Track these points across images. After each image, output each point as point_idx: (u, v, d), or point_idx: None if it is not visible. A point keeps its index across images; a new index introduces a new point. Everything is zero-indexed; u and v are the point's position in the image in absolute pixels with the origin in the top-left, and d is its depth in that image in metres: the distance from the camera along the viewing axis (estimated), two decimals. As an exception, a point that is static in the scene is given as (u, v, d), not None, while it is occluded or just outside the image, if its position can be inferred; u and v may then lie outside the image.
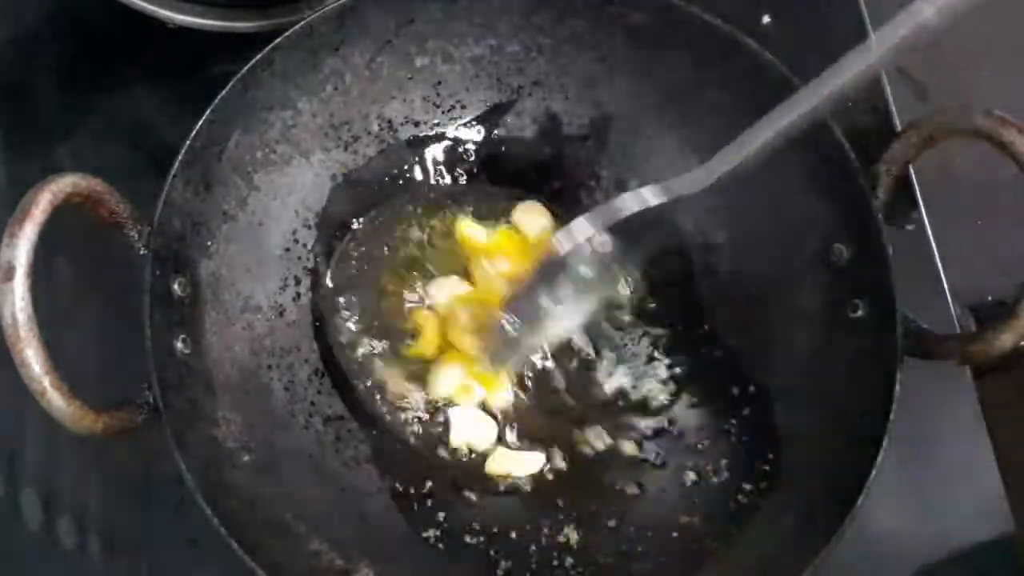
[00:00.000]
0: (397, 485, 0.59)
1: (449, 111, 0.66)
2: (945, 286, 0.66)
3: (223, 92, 0.56)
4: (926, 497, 0.62)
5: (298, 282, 0.62)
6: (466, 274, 0.64)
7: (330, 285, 0.63)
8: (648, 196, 0.54)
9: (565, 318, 0.59)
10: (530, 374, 0.62)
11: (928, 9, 0.45)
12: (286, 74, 0.59)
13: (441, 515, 0.58)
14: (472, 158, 0.67)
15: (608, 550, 0.57)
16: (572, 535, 0.58)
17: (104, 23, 0.70)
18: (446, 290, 0.63)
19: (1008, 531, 0.61)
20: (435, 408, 0.61)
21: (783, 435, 0.58)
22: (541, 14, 0.62)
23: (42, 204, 0.46)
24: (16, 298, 0.44)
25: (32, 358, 0.44)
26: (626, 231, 0.54)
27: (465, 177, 0.67)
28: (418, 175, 0.66)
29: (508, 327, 0.58)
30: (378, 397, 0.61)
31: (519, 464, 0.60)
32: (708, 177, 0.52)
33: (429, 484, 0.59)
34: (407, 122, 0.65)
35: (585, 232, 0.54)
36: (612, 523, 0.58)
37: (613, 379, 0.62)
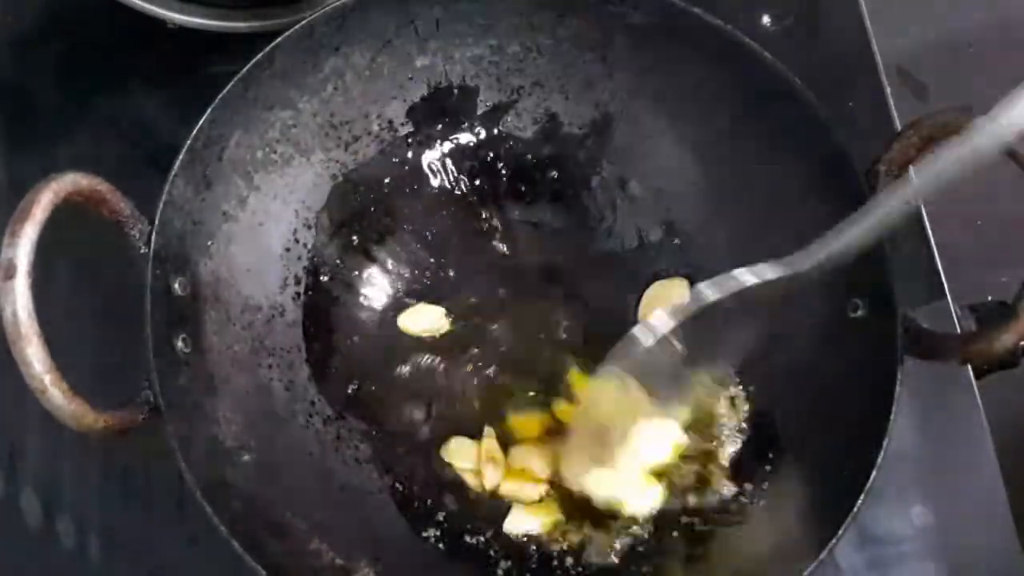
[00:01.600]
0: (397, 485, 0.59)
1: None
2: (945, 286, 0.66)
3: (223, 92, 0.56)
4: (926, 497, 0.62)
5: (298, 282, 0.62)
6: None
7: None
8: (745, 277, 0.49)
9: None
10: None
11: None
12: (286, 74, 0.59)
13: (441, 515, 0.58)
14: (472, 158, 0.67)
15: (608, 550, 0.57)
16: (572, 535, 0.58)
17: (104, 23, 0.70)
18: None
19: (1009, 531, 0.61)
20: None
21: (783, 435, 0.58)
22: (541, 14, 0.62)
23: (43, 204, 0.46)
24: (17, 297, 0.44)
25: (33, 356, 0.44)
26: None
27: (466, 177, 0.67)
28: (418, 175, 0.66)
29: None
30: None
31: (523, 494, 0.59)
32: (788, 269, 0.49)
33: (429, 484, 0.59)
34: (407, 122, 0.65)
35: (667, 325, 0.50)
36: (611, 523, 0.58)
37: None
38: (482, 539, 0.58)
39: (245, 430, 0.55)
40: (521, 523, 0.58)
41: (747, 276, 0.49)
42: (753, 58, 0.57)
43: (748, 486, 0.57)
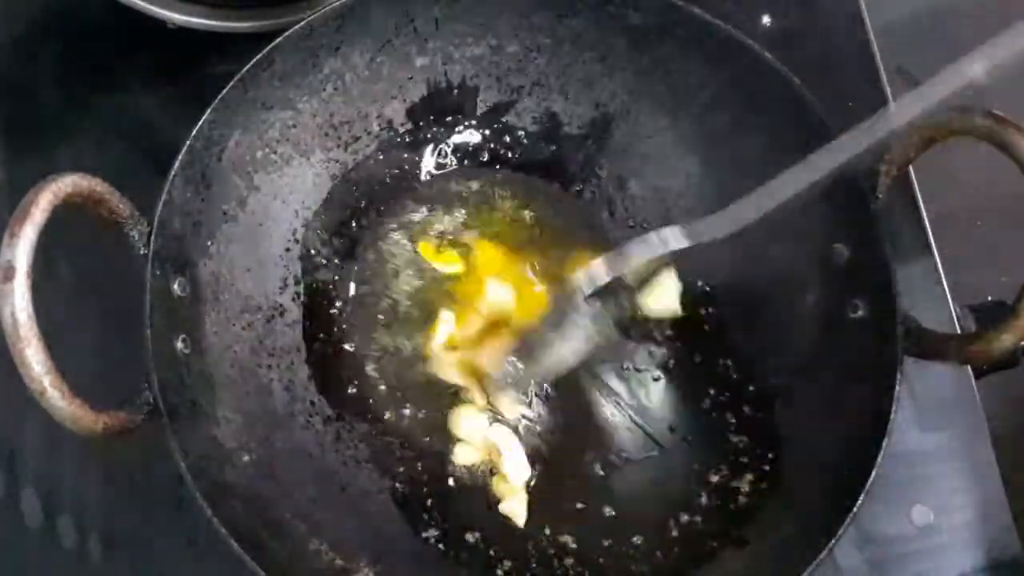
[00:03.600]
0: (397, 485, 0.59)
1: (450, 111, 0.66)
2: (945, 286, 0.66)
3: (223, 92, 0.56)
4: (926, 497, 0.62)
5: (298, 282, 0.62)
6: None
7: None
8: (671, 239, 0.54)
9: (570, 355, 0.58)
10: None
11: (977, 68, 0.44)
12: (286, 74, 0.59)
13: (441, 515, 0.58)
14: (472, 158, 0.67)
15: (608, 550, 0.57)
16: (572, 535, 0.58)
17: (104, 23, 0.70)
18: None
19: (1009, 531, 0.61)
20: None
21: (783, 435, 0.58)
22: (541, 14, 0.62)
23: (42, 204, 0.46)
24: (16, 298, 0.44)
25: (32, 358, 0.44)
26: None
27: (465, 178, 0.67)
28: (418, 175, 0.66)
29: (513, 367, 0.59)
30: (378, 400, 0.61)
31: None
32: (733, 225, 0.52)
33: (429, 484, 0.59)
34: (407, 122, 0.65)
35: (604, 275, 0.55)
36: (612, 522, 0.58)
37: (613, 383, 0.62)
38: (482, 539, 0.58)
39: (245, 430, 0.55)
40: (511, 507, 0.58)
41: (671, 240, 0.54)
42: (753, 58, 0.57)
43: (747, 486, 0.57)
